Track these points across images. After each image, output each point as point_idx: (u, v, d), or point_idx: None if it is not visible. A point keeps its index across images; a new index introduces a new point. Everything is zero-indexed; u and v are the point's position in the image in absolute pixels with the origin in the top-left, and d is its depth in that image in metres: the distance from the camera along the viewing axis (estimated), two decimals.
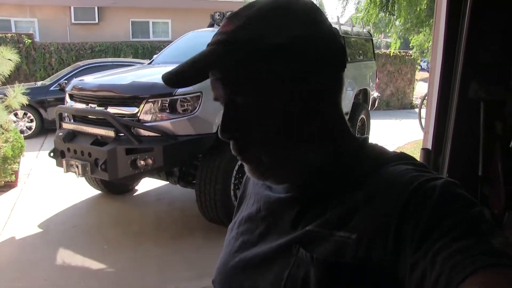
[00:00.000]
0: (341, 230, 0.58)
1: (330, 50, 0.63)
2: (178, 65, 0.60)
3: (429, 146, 2.06)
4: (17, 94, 5.23)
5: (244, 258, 0.70)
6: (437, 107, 1.98)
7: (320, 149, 0.65)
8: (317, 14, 0.64)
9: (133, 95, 3.75)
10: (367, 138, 0.70)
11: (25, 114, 8.19)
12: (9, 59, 5.08)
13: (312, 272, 0.58)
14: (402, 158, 0.65)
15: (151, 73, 4.50)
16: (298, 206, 0.66)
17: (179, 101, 3.66)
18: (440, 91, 1.95)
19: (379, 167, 0.63)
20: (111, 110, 3.76)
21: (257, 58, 0.59)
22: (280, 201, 0.69)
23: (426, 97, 2.57)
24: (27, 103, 5.59)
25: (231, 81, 0.61)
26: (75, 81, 4.44)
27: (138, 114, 3.69)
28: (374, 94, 7.89)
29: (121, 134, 3.61)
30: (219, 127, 0.63)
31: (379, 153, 0.67)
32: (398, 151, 0.69)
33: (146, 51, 11.90)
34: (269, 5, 0.62)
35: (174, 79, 0.61)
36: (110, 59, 10.02)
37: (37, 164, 6.19)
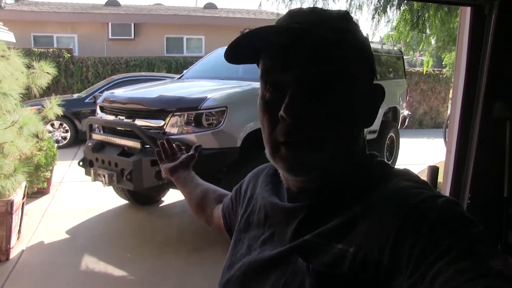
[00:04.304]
0: (340, 242, 0.59)
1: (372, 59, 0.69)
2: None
3: (451, 165, 2.02)
4: (53, 106, 5.46)
5: (247, 262, 0.72)
6: (459, 126, 1.94)
7: (353, 155, 0.67)
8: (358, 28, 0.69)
9: (160, 108, 3.85)
10: (374, 154, 0.71)
11: (60, 124, 8.53)
12: (47, 73, 5.32)
13: (307, 282, 0.59)
14: (405, 174, 0.65)
15: (179, 87, 4.62)
16: (300, 216, 0.67)
17: (204, 115, 3.74)
18: (462, 110, 1.92)
19: (380, 182, 0.63)
20: (139, 122, 3.88)
21: (346, 47, 0.62)
22: (284, 210, 0.70)
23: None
24: (62, 114, 5.81)
25: (322, 61, 0.61)
26: (106, 93, 4.62)
27: (164, 127, 3.78)
28: (405, 112, 7.77)
29: (147, 146, 3.71)
30: (285, 105, 0.60)
31: (383, 168, 0.68)
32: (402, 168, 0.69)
33: (180, 66, 12.17)
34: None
35: (268, 37, 0.62)
36: (143, 73, 10.34)
37: (69, 173, 6.41)
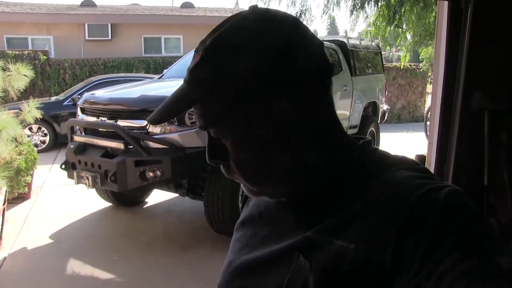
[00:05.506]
0: (340, 238, 0.57)
1: (304, 64, 0.59)
2: (159, 106, 0.64)
3: (433, 156, 2.07)
4: (31, 109, 5.36)
5: (247, 260, 0.70)
6: (440, 117, 1.99)
7: (308, 159, 0.62)
8: (282, 28, 0.59)
9: (142, 108, 3.81)
10: (367, 142, 0.68)
11: (39, 128, 8.36)
12: (25, 75, 5.22)
13: (311, 280, 0.58)
14: (403, 162, 0.63)
15: (160, 87, 4.59)
16: (297, 210, 0.66)
17: (187, 113, 3.72)
18: (443, 102, 1.97)
19: (379, 173, 0.60)
20: (121, 123, 3.84)
21: (218, 94, 0.58)
22: (280, 205, 0.69)
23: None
24: (41, 117, 5.71)
25: (201, 116, 0.62)
26: (86, 95, 4.55)
27: (147, 127, 3.76)
28: (384, 107, 7.90)
29: (130, 147, 3.68)
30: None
31: (379, 157, 0.65)
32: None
33: (158, 66, 12.07)
34: (227, 33, 0.59)
35: (157, 119, 0.64)
36: (122, 74, 10.22)
37: (50, 177, 6.30)
